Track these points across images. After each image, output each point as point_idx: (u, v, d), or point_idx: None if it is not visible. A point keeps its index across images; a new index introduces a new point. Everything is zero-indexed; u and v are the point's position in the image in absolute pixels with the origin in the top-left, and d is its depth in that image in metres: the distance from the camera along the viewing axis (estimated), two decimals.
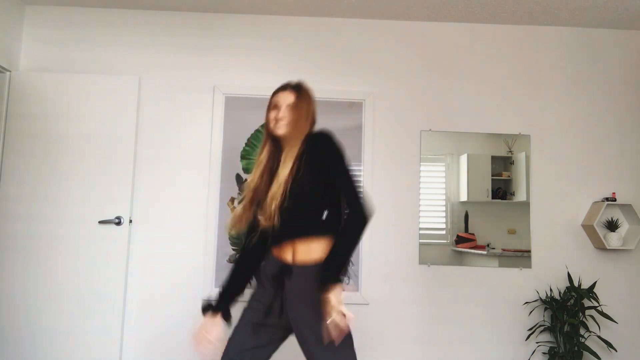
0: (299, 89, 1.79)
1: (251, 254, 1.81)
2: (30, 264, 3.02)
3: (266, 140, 1.81)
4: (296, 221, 1.68)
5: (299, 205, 1.66)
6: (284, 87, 1.80)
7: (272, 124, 1.76)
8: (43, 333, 2.98)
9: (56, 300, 3.00)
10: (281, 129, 1.73)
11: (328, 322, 1.47)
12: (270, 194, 1.65)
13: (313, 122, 1.80)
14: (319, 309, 1.54)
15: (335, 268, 1.56)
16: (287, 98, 1.76)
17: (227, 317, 1.75)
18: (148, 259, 3.16)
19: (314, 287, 1.56)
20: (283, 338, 1.74)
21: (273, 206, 1.63)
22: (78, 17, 3.31)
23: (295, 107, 1.74)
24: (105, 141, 3.11)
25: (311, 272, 1.61)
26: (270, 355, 1.73)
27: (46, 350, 2.97)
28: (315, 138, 1.71)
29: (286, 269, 1.66)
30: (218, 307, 1.75)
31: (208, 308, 1.75)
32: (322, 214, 1.69)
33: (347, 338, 1.60)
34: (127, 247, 3.07)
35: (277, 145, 1.80)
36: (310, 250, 1.65)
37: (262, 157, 1.80)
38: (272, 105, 1.79)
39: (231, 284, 1.79)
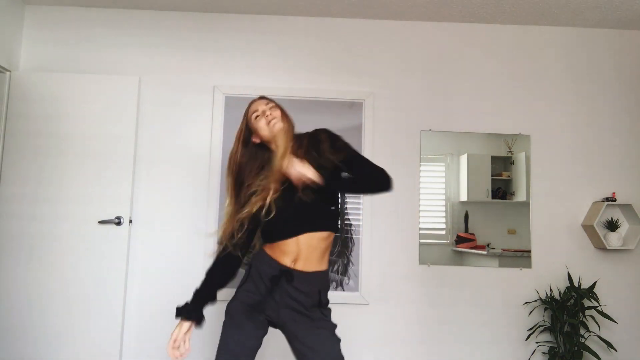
0: (264, 97, 1.92)
1: (231, 262, 1.79)
2: (31, 264, 3.02)
3: (243, 146, 1.86)
4: (304, 215, 1.72)
5: (308, 200, 1.70)
6: (253, 100, 1.91)
7: (267, 128, 1.80)
8: (43, 333, 2.98)
9: (56, 300, 3.00)
10: (278, 124, 1.79)
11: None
12: (273, 186, 1.70)
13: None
14: (313, 315, 1.68)
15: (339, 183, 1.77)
16: (262, 103, 1.86)
17: (200, 322, 1.76)
18: (148, 259, 3.16)
19: (312, 294, 1.69)
20: (265, 332, 1.78)
21: (269, 200, 1.68)
22: (78, 17, 3.31)
23: (275, 106, 1.85)
24: (105, 141, 3.11)
25: (312, 280, 1.70)
26: (260, 345, 1.76)
27: (46, 350, 2.97)
28: (316, 134, 1.81)
29: (287, 273, 1.69)
30: (193, 313, 1.75)
31: (182, 313, 1.74)
32: (329, 209, 1.77)
33: (335, 337, 1.70)
34: (127, 247, 3.07)
35: (259, 147, 1.85)
36: (312, 258, 1.71)
37: (243, 159, 1.83)
38: (254, 115, 1.84)
39: (206, 289, 1.79)
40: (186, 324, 1.73)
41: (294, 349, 1.73)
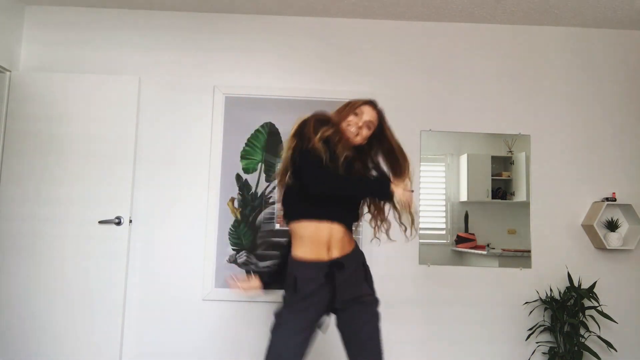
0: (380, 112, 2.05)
1: None
2: (31, 264, 3.02)
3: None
4: (344, 206, 1.91)
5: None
6: (366, 103, 2.03)
7: (353, 131, 1.96)
8: (43, 333, 2.98)
9: (56, 300, 3.00)
10: (358, 139, 1.98)
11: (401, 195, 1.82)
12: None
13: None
14: (361, 292, 1.87)
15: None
16: (371, 114, 2.01)
17: (264, 285, 1.99)
18: (148, 259, 3.16)
19: (359, 271, 1.90)
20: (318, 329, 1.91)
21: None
22: (78, 17, 3.31)
23: (371, 125, 2.01)
24: (105, 141, 3.11)
25: (354, 257, 1.90)
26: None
27: (46, 350, 2.97)
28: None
29: (337, 264, 1.82)
30: (263, 276, 2.02)
31: (253, 273, 1.96)
32: (356, 210, 1.99)
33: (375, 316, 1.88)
34: (127, 247, 3.07)
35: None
36: (344, 243, 1.88)
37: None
38: (356, 120, 1.98)
39: (279, 268, 2.00)
40: (252, 279, 2.02)
41: (341, 328, 1.87)
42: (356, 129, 1.95)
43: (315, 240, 1.83)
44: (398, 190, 1.82)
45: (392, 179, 1.93)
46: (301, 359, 1.80)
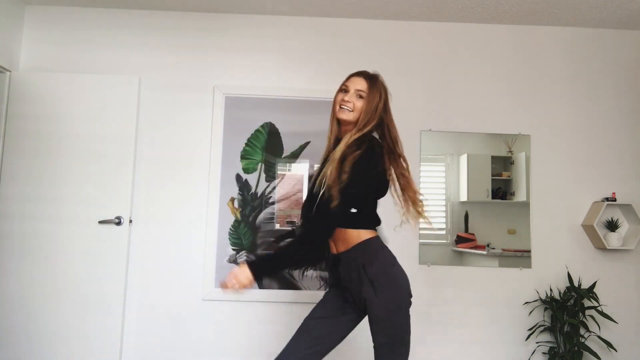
0: (372, 78, 1.88)
1: (301, 251, 1.81)
2: (31, 264, 3.02)
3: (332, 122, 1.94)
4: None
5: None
6: (359, 73, 1.90)
7: (337, 106, 1.86)
8: (43, 333, 2.98)
9: (56, 300, 3.00)
10: (343, 114, 1.84)
11: None
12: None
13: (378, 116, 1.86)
14: (363, 284, 1.73)
15: None
16: (360, 83, 1.86)
17: (259, 275, 1.76)
18: (148, 259, 3.16)
19: (356, 270, 1.75)
20: (354, 318, 1.88)
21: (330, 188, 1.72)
22: (78, 17, 3.31)
23: (363, 96, 1.84)
24: (105, 141, 3.11)
25: (352, 256, 1.77)
26: (343, 334, 1.90)
27: (46, 350, 2.97)
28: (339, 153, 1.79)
29: (336, 259, 1.82)
30: (256, 265, 1.77)
31: (247, 262, 1.78)
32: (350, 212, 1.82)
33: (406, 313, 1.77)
34: (127, 247, 3.07)
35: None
36: (346, 239, 1.79)
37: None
38: (342, 87, 1.89)
39: (278, 258, 1.84)
40: (244, 269, 1.75)
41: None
42: (340, 104, 1.84)
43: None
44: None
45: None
46: (327, 330, 1.82)
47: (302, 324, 1.88)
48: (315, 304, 1.95)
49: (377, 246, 1.82)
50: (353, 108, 1.83)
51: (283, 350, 1.83)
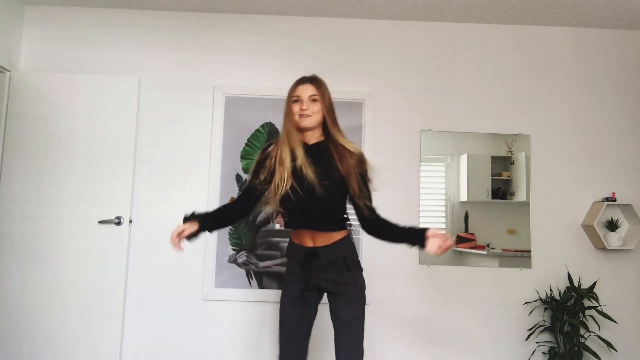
0: (315, 81, 2.03)
1: (232, 213, 2.07)
2: (31, 264, 3.02)
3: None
4: (322, 217, 1.93)
5: (328, 204, 1.92)
6: (302, 80, 2.03)
7: (296, 117, 1.95)
8: (43, 333, 2.98)
9: (56, 300, 3.00)
10: (306, 121, 1.93)
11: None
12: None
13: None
14: (342, 274, 1.94)
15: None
16: (308, 89, 1.98)
17: (199, 228, 1.96)
18: (148, 259, 3.16)
19: (338, 262, 1.93)
20: (316, 303, 2.05)
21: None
22: (78, 17, 3.31)
23: (317, 99, 1.97)
24: (105, 141, 3.11)
25: (334, 250, 1.93)
26: (314, 318, 2.06)
27: (46, 350, 2.97)
28: (355, 155, 1.94)
29: (313, 252, 1.93)
30: (196, 217, 1.99)
31: (187, 218, 2.00)
32: (340, 216, 1.99)
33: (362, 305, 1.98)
34: (127, 247, 3.07)
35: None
36: (329, 236, 1.94)
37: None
38: (294, 98, 1.98)
39: (211, 217, 2.03)
40: (189, 224, 1.98)
41: (330, 310, 1.99)
42: (300, 114, 1.93)
43: (302, 233, 1.98)
44: (433, 242, 1.82)
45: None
46: (303, 325, 1.99)
47: (284, 334, 2.00)
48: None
49: (351, 241, 2.04)
50: (312, 113, 1.93)
51: None
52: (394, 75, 3.35)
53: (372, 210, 1.93)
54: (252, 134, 3.25)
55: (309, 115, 1.92)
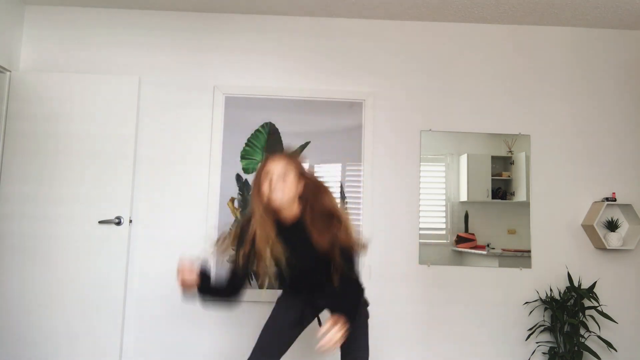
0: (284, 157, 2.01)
1: (225, 293, 2.10)
2: (31, 264, 3.02)
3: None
4: (315, 278, 2.04)
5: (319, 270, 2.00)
6: (271, 159, 1.99)
7: (264, 199, 1.93)
8: (43, 333, 2.98)
9: (56, 300, 3.00)
10: (280, 201, 1.92)
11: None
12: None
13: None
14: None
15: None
16: (276, 166, 1.94)
17: (202, 284, 2.04)
18: (148, 259, 3.16)
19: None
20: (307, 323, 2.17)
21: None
22: (78, 17, 3.31)
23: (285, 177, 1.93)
24: (105, 141, 3.11)
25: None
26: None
27: (46, 350, 2.97)
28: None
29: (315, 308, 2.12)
30: (204, 276, 2.07)
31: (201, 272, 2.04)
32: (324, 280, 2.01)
33: (365, 327, 2.07)
34: (127, 247, 3.07)
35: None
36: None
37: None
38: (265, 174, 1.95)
39: (214, 287, 2.11)
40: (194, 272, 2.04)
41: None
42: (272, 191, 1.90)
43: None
44: (328, 335, 1.72)
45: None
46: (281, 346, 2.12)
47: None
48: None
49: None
50: (283, 189, 1.90)
51: None
52: (394, 75, 3.35)
53: (351, 272, 1.96)
54: (252, 134, 3.25)
55: (281, 192, 1.89)
